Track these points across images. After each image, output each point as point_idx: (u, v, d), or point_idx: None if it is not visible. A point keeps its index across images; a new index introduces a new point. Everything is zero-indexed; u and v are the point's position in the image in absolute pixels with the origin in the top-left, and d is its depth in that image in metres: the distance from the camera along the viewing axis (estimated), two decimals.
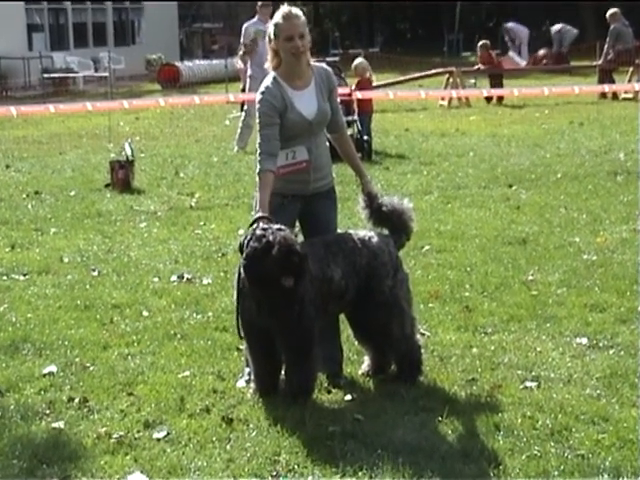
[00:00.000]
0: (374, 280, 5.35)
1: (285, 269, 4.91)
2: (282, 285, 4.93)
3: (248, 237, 5.03)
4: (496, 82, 23.53)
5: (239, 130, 15.41)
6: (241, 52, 15.29)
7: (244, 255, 5.02)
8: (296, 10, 5.41)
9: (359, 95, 14.74)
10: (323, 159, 5.54)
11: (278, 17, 5.41)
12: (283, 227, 5.06)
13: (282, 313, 5.07)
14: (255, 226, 5.07)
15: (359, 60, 15.79)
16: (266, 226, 5.03)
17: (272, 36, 5.41)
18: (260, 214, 5.15)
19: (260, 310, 5.11)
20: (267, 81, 5.45)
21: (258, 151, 5.35)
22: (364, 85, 15.21)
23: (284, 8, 5.43)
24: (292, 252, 4.93)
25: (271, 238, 4.94)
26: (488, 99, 21.96)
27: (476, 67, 24.60)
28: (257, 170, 5.30)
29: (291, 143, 5.41)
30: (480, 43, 24.40)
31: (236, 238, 8.73)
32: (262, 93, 5.41)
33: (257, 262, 4.95)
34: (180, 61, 34.85)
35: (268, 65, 5.49)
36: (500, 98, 21.81)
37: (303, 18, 5.41)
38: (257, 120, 5.42)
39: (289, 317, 5.08)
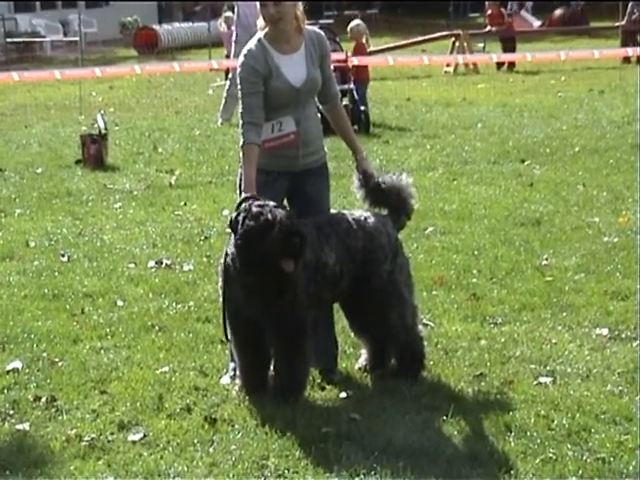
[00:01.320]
0: (371, 265, 5.33)
1: (286, 251, 4.88)
2: (280, 269, 4.89)
3: (243, 214, 4.96)
4: (509, 46, 23.48)
5: (223, 100, 15.39)
6: (225, 14, 15.28)
7: (239, 234, 4.95)
8: None
9: (355, 61, 14.71)
10: (313, 132, 5.50)
11: None
12: (280, 205, 5.03)
13: (273, 302, 5.04)
14: (250, 202, 5.00)
15: (356, 22, 15.80)
16: (262, 203, 4.98)
17: None
18: (247, 194, 5.10)
19: (248, 298, 5.09)
20: (251, 43, 5.41)
21: (240, 122, 5.31)
22: (361, 50, 15.19)
23: None
24: (294, 232, 4.90)
25: (270, 216, 4.90)
26: (498, 65, 21.94)
27: (486, 29, 24.57)
28: (240, 143, 5.27)
29: (277, 114, 5.37)
30: None
31: (220, 219, 8.74)
32: (244, 56, 5.36)
33: (255, 242, 4.89)
34: (158, 24, 34.79)
35: (258, 23, 5.44)
36: (511, 64, 21.79)
37: None
38: (238, 87, 5.37)
39: (280, 306, 5.05)
